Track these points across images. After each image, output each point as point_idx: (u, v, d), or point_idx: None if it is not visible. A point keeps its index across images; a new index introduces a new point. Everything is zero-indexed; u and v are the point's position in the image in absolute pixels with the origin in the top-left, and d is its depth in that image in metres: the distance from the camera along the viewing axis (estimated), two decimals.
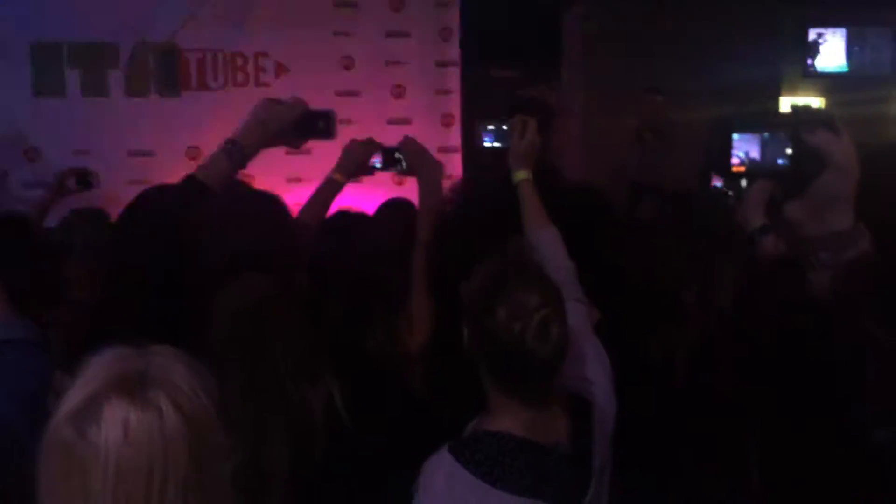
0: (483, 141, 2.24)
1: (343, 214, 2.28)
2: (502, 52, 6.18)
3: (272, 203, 1.76)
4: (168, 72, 6.11)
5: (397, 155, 2.11)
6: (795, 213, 1.51)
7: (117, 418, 0.82)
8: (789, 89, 6.69)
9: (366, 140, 2.05)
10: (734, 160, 1.62)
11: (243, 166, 1.76)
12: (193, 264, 1.51)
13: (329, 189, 2.07)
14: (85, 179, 2.96)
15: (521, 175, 1.92)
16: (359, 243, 2.05)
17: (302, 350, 1.52)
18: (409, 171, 2.13)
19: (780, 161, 1.64)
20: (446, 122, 6.09)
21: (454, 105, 6.20)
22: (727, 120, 1.69)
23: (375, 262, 1.93)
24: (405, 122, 5.80)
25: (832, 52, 6.71)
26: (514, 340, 1.36)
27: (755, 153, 1.63)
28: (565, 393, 1.53)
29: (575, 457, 1.45)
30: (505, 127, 2.16)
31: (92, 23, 5.92)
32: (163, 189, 1.73)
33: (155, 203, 1.67)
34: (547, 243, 1.80)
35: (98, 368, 0.87)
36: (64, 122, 5.89)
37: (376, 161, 2.11)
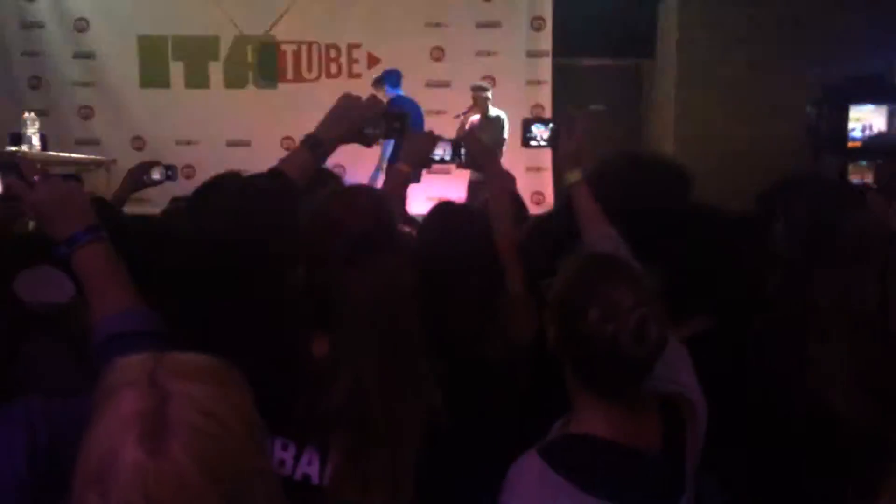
0: (530, 142, 2.05)
1: (448, 206, 2.09)
2: (595, 43, 6.05)
3: (377, 194, 1.77)
4: (266, 64, 6.29)
5: (462, 150, 2.11)
6: None
7: (137, 482, 0.77)
8: None
9: (428, 132, 2.07)
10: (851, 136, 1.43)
11: (324, 160, 1.80)
12: (302, 252, 1.53)
13: (399, 180, 2.03)
14: (164, 173, 2.97)
15: (573, 177, 1.80)
16: (469, 237, 1.98)
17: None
18: (466, 165, 2.14)
19: None
20: (537, 112, 6.02)
21: (545, 96, 6.14)
22: (839, 90, 1.49)
23: (490, 256, 1.88)
24: None
25: None
26: (607, 343, 1.32)
27: (879, 126, 1.43)
28: (657, 394, 1.48)
29: (667, 461, 1.41)
30: (552, 126, 2.00)
31: (194, 16, 6.16)
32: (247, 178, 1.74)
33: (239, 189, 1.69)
34: (608, 249, 1.74)
35: (112, 408, 0.81)
36: (168, 112, 6.16)
37: (443, 154, 2.12)
